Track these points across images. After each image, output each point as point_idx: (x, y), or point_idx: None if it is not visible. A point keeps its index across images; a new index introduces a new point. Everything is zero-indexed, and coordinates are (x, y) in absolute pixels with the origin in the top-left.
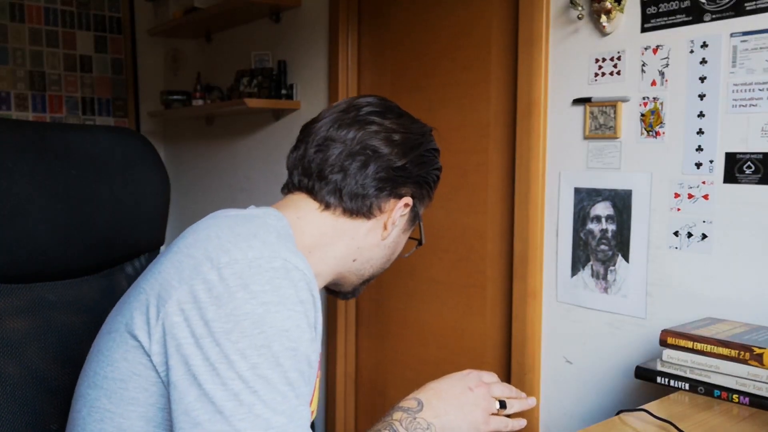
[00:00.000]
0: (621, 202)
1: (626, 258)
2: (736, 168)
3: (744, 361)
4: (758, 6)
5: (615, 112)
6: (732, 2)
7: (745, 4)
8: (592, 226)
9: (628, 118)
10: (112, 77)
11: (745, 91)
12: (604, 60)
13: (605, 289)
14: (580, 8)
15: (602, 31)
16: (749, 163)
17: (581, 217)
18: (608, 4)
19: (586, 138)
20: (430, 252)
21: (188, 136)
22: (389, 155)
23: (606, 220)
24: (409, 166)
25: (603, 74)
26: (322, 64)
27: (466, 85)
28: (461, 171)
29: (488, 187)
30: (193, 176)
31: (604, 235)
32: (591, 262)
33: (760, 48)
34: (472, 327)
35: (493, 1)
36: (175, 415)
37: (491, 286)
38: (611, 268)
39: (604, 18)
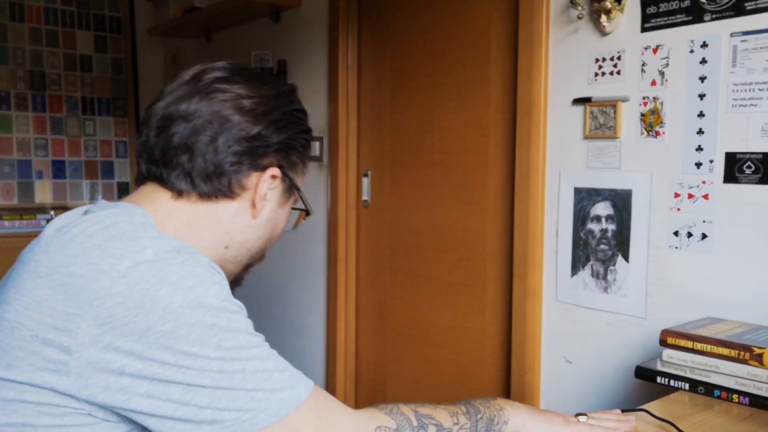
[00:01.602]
0: (621, 201)
1: (626, 258)
2: (736, 168)
3: (744, 361)
4: (758, 6)
5: (615, 112)
6: (732, 2)
7: (745, 4)
8: (592, 226)
9: (628, 118)
10: (112, 77)
11: (745, 90)
12: (604, 60)
13: (605, 289)
14: (580, 8)
15: (602, 31)
16: (749, 162)
17: (581, 217)
18: (608, 4)
19: (586, 138)
20: (430, 252)
21: None
22: (240, 123)
23: (606, 220)
24: (266, 132)
25: (603, 74)
26: (322, 64)
27: (466, 85)
28: (461, 171)
29: (488, 187)
30: None
31: (604, 235)
32: (591, 262)
33: (760, 48)
34: (472, 327)
35: (493, 1)
36: (162, 422)
37: (491, 286)
38: (611, 267)
39: (604, 18)
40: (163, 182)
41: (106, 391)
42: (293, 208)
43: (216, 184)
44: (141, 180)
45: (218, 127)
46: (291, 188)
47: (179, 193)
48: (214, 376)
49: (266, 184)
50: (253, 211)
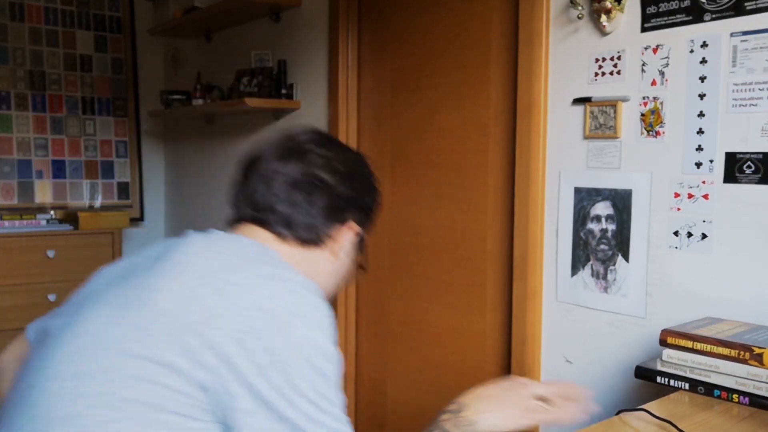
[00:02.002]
0: (621, 201)
1: (626, 258)
2: (736, 168)
3: (744, 361)
4: (758, 6)
5: (615, 112)
6: (732, 2)
7: (745, 4)
8: (592, 226)
9: (628, 118)
10: (112, 77)
11: (745, 90)
12: (604, 60)
13: (605, 289)
14: (580, 8)
15: (602, 31)
16: (749, 162)
17: (581, 217)
18: (608, 4)
19: (586, 138)
20: (430, 252)
21: (188, 136)
22: (334, 184)
23: (606, 220)
24: (353, 193)
25: (603, 74)
26: (322, 64)
27: (466, 85)
28: (461, 171)
29: (488, 187)
30: (193, 176)
31: (604, 235)
32: (591, 262)
33: (760, 48)
34: (472, 327)
35: (493, 1)
36: None
37: (491, 286)
38: (611, 267)
39: (604, 18)
40: (267, 226)
41: (219, 377)
42: (356, 263)
43: (310, 233)
44: (237, 222)
45: (316, 184)
46: (361, 244)
47: (281, 237)
48: (301, 417)
49: (347, 237)
50: (334, 259)
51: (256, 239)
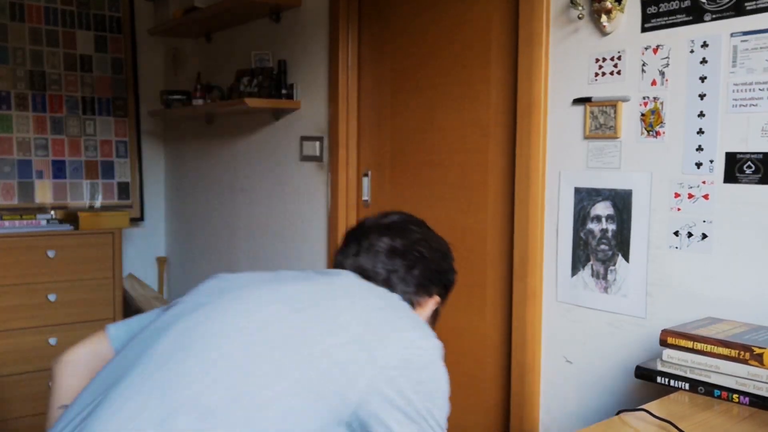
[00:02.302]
0: (621, 201)
1: (626, 258)
2: (736, 168)
3: (744, 361)
4: (758, 6)
5: (615, 112)
6: (732, 2)
7: (745, 4)
8: (592, 226)
9: (628, 118)
10: (112, 77)
11: (745, 90)
12: (604, 60)
13: (605, 289)
14: (580, 8)
15: (602, 31)
16: (749, 162)
17: (581, 217)
18: (608, 4)
19: (586, 138)
20: None
21: (188, 136)
22: (431, 260)
23: (606, 220)
24: (444, 269)
25: (603, 74)
26: (322, 64)
27: (466, 85)
28: (461, 171)
29: (488, 187)
30: (193, 176)
31: (604, 235)
32: (591, 262)
33: (760, 48)
34: (472, 327)
35: (493, 1)
36: None
37: (491, 286)
38: (611, 267)
39: (604, 18)
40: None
41: (370, 389)
42: None
43: (406, 297)
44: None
45: (417, 257)
46: (436, 315)
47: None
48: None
49: (431, 307)
50: None
51: None
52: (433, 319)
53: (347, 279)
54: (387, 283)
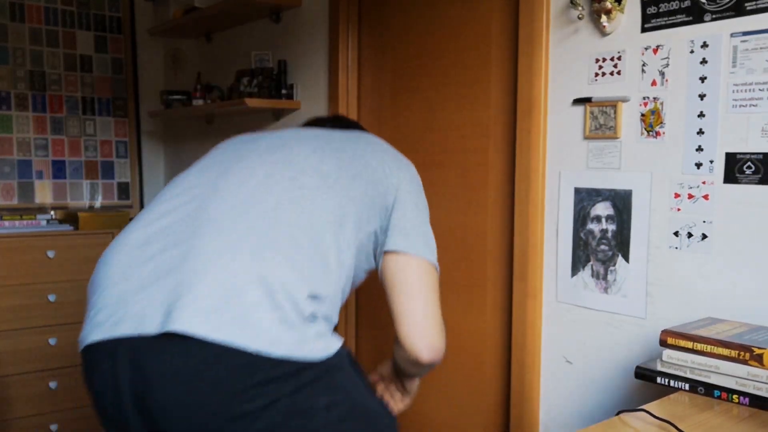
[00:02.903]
0: (621, 202)
1: (626, 258)
2: (736, 168)
3: (744, 362)
4: (758, 6)
5: (615, 112)
6: (732, 2)
7: (745, 4)
8: (592, 226)
9: (628, 118)
10: (112, 77)
11: (745, 91)
12: (604, 60)
13: (605, 289)
14: (580, 8)
15: (602, 31)
16: (749, 163)
17: (581, 217)
18: (608, 4)
19: (586, 138)
20: None
21: (188, 136)
22: None
23: (606, 220)
24: None
25: (603, 74)
26: (322, 64)
27: (466, 85)
28: (461, 171)
29: (488, 187)
30: None
31: (604, 235)
32: (591, 262)
33: (760, 48)
34: (472, 327)
35: (493, 1)
36: (398, 209)
37: (491, 286)
38: (611, 268)
39: (604, 18)
40: None
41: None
42: None
43: None
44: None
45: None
46: None
47: None
48: (422, 214)
49: None
50: None
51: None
52: None
53: (367, 137)
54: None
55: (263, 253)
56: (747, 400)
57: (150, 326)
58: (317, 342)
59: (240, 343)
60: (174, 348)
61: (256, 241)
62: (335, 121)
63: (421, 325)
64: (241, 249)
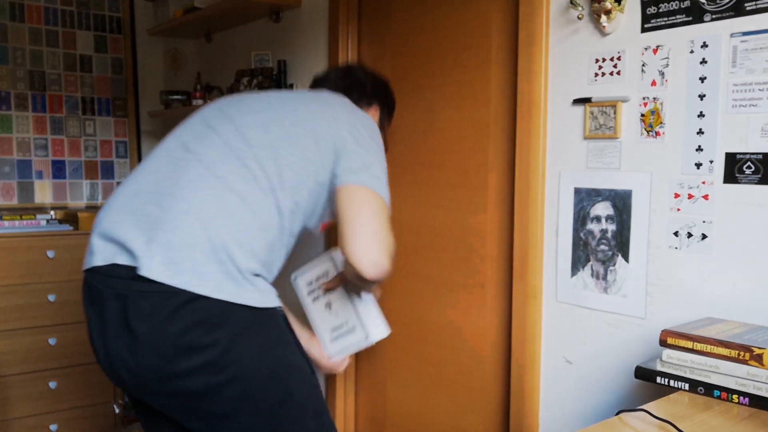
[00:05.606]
0: (621, 202)
1: (626, 258)
2: (736, 168)
3: (744, 362)
4: (758, 6)
5: (615, 112)
6: (732, 2)
7: (745, 4)
8: (592, 226)
9: (628, 118)
10: (112, 77)
11: (745, 91)
12: (604, 60)
13: (605, 289)
14: (580, 8)
15: (602, 31)
16: (749, 163)
17: (581, 217)
18: (608, 4)
19: (586, 138)
20: (430, 251)
21: None
22: (365, 82)
23: (606, 220)
24: (377, 88)
25: (603, 74)
26: (322, 64)
27: (466, 85)
28: (461, 171)
29: (488, 187)
30: None
31: (604, 235)
32: (591, 262)
33: (760, 48)
34: (472, 326)
35: (493, 1)
36: (343, 154)
37: (491, 285)
38: (611, 268)
39: (604, 18)
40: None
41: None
42: None
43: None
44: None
45: (355, 80)
46: (384, 125)
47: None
48: (366, 148)
49: (375, 113)
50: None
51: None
52: (382, 128)
53: (322, 92)
54: (352, 94)
55: (214, 220)
56: (747, 400)
57: (133, 262)
58: (254, 293)
59: (190, 288)
60: (143, 287)
61: (209, 208)
62: (330, 80)
63: (364, 244)
64: (197, 214)
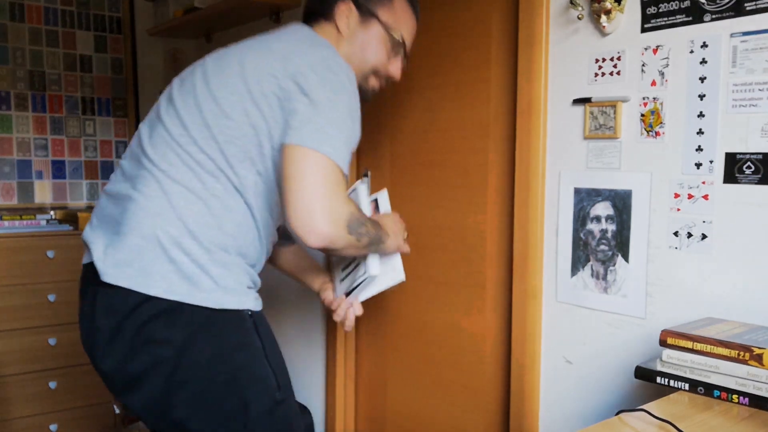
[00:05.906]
0: (621, 202)
1: (626, 258)
2: (736, 168)
3: (744, 361)
4: (758, 6)
5: (615, 112)
6: (732, 2)
7: (745, 4)
8: (592, 226)
9: (628, 118)
10: (112, 77)
11: (745, 91)
12: (604, 60)
13: (605, 289)
14: (580, 8)
15: (602, 31)
16: (749, 163)
17: (581, 217)
18: (608, 4)
19: (586, 138)
20: (430, 252)
21: None
22: None
23: (606, 220)
24: None
25: (603, 74)
26: None
27: (466, 85)
28: (461, 171)
29: (488, 187)
30: None
31: (604, 235)
32: (591, 262)
33: (760, 48)
34: (472, 326)
35: (493, 1)
36: (288, 108)
37: (491, 285)
38: (611, 268)
39: (604, 18)
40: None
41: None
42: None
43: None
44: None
45: None
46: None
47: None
48: (319, 104)
49: (345, 11)
50: (344, 36)
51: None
52: (368, 25)
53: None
54: (314, 14)
55: (161, 217)
56: (747, 400)
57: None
58: (215, 293)
59: (141, 289)
60: (106, 287)
61: (156, 206)
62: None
63: (304, 211)
64: (147, 213)
